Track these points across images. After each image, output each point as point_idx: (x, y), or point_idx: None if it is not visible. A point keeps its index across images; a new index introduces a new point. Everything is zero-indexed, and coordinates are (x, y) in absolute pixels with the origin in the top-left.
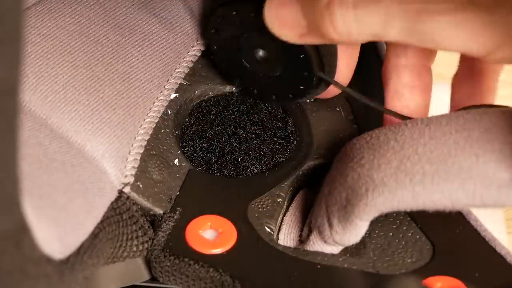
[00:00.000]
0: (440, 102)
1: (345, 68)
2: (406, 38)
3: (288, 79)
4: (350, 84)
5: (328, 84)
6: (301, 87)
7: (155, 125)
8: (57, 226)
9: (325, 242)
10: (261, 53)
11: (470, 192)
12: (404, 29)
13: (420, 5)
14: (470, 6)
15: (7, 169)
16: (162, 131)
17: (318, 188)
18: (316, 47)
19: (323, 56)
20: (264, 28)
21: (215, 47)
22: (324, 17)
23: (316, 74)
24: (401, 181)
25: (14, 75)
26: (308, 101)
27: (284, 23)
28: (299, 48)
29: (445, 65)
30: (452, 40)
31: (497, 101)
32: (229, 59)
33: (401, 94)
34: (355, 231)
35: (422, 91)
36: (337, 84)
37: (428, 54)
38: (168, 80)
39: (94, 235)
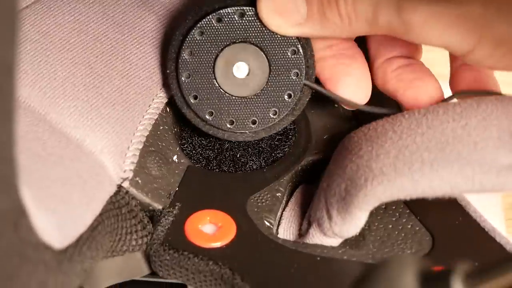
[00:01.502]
0: None
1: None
2: (392, 30)
3: (272, 92)
4: None
5: (309, 93)
6: (286, 98)
7: (154, 121)
8: (56, 217)
9: (325, 234)
10: (242, 68)
11: (469, 177)
12: (390, 20)
13: None
14: None
15: (3, 149)
16: (161, 127)
17: (317, 183)
18: (304, 48)
19: (308, 57)
20: (250, 33)
21: (183, 77)
22: (330, 0)
23: (303, 79)
24: (400, 170)
25: (11, 54)
26: None
27: (280, 11)
28: (289, 44)
29: (445, 65)
30: (430, 32)
31: None
32: (200, 87)
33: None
34: (354, 222)
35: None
36: (322, 89)
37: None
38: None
39: (93, 227)
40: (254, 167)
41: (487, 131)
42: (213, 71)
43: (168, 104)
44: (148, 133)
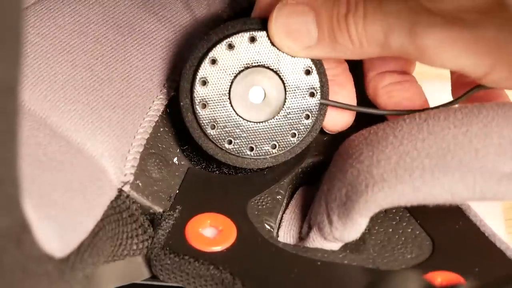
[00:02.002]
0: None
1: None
2: (405, 53)
3: (290, 114)
4: None
5: (325, 109)
6: (304, 119)
7: (154, 123)
8: (57, 225)
9: (325, 238)
10: (258, 92)
11: (470, 185)
12: (403, 44)
13: (414, 18)
14: (458, 21)
15: (8, 169)
16: (161, 129)
17: (317, 185)
18: (317, 67)
19: (322, 75)
20: (262, 56)
21: (199, 108)
22: (341, 25)
23: (319, 97)
24: (400, 177)
25: (14, 75)
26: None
27: (291, 33)
28: (302, 64)
29: None
30: (445, 57)
31: None
32: (218, 116)
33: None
34: (355, 228)
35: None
36: (344, 105)
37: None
38: (167, 79)
39: (94, 233)
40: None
41: (488, 138)
42: (229, 99)
43: (168, 106)
44: (148, 136)
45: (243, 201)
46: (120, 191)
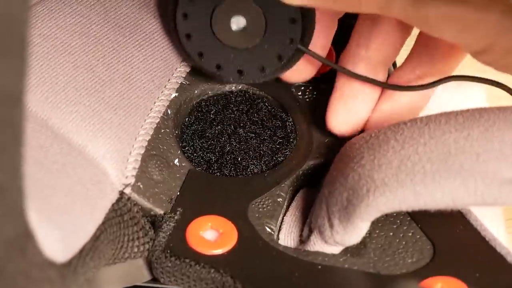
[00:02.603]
0: (439, 102)
1: (320, 49)
2: (405, 18)
3: (264, 49)
4: None
5: (299, 57)
6: (276, 59)
7: (155, 125)
8: (59, 229)
9: (326, 242)
10: (240, 21)
11: (471, 190)
12: (404, 9)
13: None
14: (465, 1)
15: (13, 178)
16: (162, 131)
17: (318, 187)
18: (302, 15)
19: (305, 26)
20: None
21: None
22: None
23: (297, 43)
24: (402, 181)
25: (20, 84)
26: (307, 99)
27: None
28: (287, 13)
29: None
30: (446, 29)
31: (494, 103)
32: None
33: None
34: (356, 232)
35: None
36: (315, 55)
37: (390, 52)
38: (169, 80)
39: (96, 237)
40: (255, 170)
41: (489, 143)
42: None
43: (169, 107)
44: (149, 137)
45: (244, 203)
46: (122, 193)
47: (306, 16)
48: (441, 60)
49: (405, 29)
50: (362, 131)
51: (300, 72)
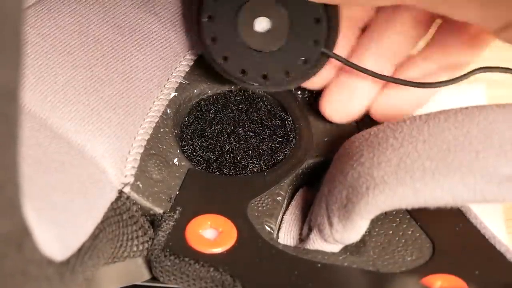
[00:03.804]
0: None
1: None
2: (421, 1)
3: (289, 52)
4: None
5: (325, 62)
6: (299, 63)
7: (155, 124)
8: (58, 228)
9: (325, 240)
10: (264, 23)
11: (470, 187)
12: None
13: None
14: None
15: (8, 173)
16: (162, 130)
17: (318, 186)
18: (327, 16)
19: (329, 26)
20: None
21: (208, 38)
22: None
23: (321, 46)
24: (401, 179)
25: (15, 79)
26: (307, 98)
27: None
28: (311, 12)
29: None
30: (467, 6)
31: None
32: (223, 39)
33: None
34: (355, 230)
35: None
36: (341, 58)
37: (403, 49)
38: (168, 79)
39: (95, 235)
40: (255, 169)
41: (489, 140)
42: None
43: (168, 106)
44: (149, 137)
45: (243, 202)
46: (121, 192)
47: (330, 16)
48: (461, 51)
49: (419, 27)
50: (363, 124)
51: (322, 79)
